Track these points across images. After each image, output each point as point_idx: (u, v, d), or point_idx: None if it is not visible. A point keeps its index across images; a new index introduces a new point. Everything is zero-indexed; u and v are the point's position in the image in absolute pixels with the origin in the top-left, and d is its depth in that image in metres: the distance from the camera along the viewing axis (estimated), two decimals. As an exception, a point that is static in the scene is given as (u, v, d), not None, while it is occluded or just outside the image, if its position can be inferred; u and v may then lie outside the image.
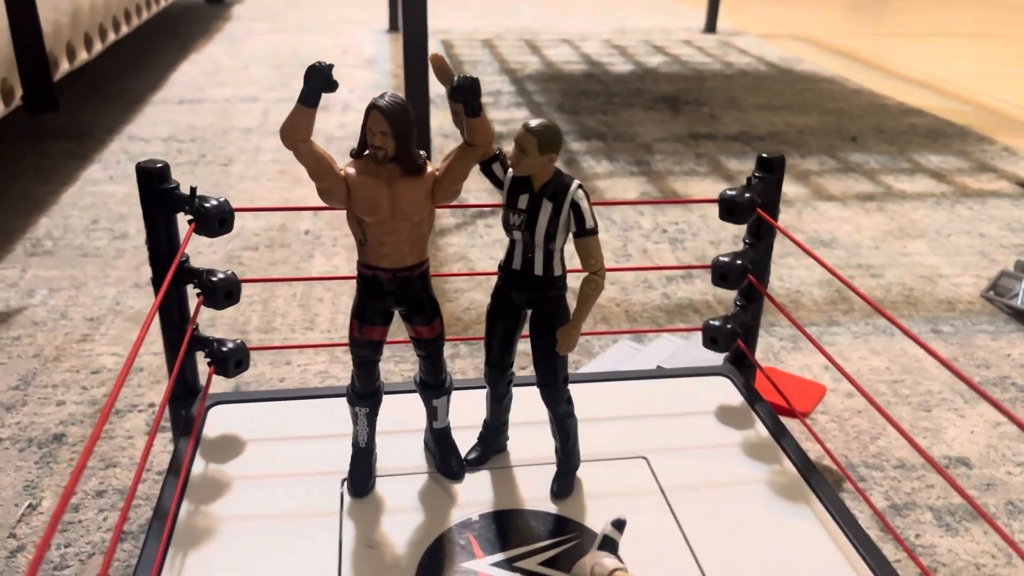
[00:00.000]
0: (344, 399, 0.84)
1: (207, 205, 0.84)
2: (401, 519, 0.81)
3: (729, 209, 0.92)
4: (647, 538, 0.78)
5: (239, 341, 0.93)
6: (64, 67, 2.05)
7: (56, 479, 1.07)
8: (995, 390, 1.31)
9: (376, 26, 4.05)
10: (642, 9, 4.82)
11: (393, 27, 3.95)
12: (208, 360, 0.92)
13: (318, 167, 0.73)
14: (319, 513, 0.81)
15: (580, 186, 0.75)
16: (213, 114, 2.60)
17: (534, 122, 0.73)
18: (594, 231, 0.75)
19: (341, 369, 1.32)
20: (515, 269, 0.78)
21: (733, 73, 3.32)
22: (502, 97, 2.89)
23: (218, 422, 0.94)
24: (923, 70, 3.55)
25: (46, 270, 1.60)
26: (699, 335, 1.25)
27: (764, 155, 0.95)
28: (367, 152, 0.74)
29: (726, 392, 1.02)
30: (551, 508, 0.83)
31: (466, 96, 0.70)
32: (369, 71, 3.19)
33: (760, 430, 0.95)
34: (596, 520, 0.81)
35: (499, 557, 0.77)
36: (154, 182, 0.86)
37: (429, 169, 0.75)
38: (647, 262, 1.70)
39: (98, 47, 2.32)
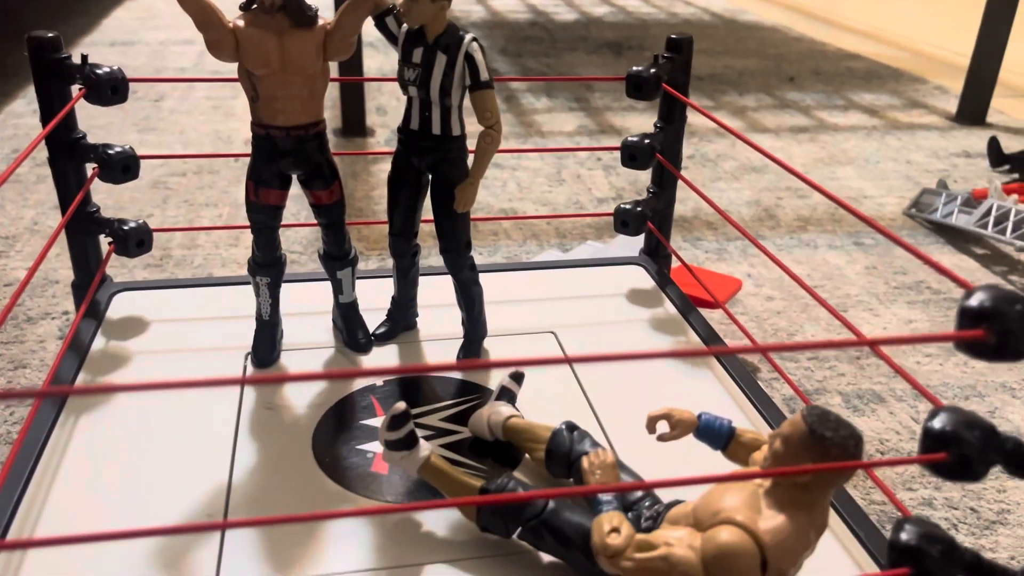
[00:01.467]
0: (236, 286, 0.84)
1: (99, 72, 0.82)
2: (304, 386, 0.80)
3: (636, 85, 0.92)
4: (551, 401, 0.78)
5: (141, 221, 0.91)
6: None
7: (-38, 378, 1.04)
8: (909, 292, 1.34)
9: (320, -22, 3.97)
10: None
11: (337, -21, 3.88)
12: (110, 240, 0.90)
13: (204, 17, 0.71)
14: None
15: (475, 39, 0.74)
16: (146, 56, 2.54)
17: (423, -32, 0.72)
18: (489, 84, 0.75)
19: (264, 280, 1.31)
20: (413, 129, 0.78)
21: (677, 22, 3.33)
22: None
23: (122, 307, 0.92)
24: (865, 21, 3.58)
25: (-38, 193, 1.56)
26: (621, 239, 1.26)
27: (673, 36, 0.95)
28: (255, 5, 0.73)
29: (640, 278, 1.03)
30: (456, 375, 0.83)
31: (352, -64, 0.69)
32: (310, 18, 3.13)
33: (669, 309, 0.96)
34: (498, 384, 0.81)
35: (399, 415, 0.76)
36: (45, 52, 0.83)
37: (321, 23, 0.74)
38: (581, 187, 1.70)
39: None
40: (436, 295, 0.90)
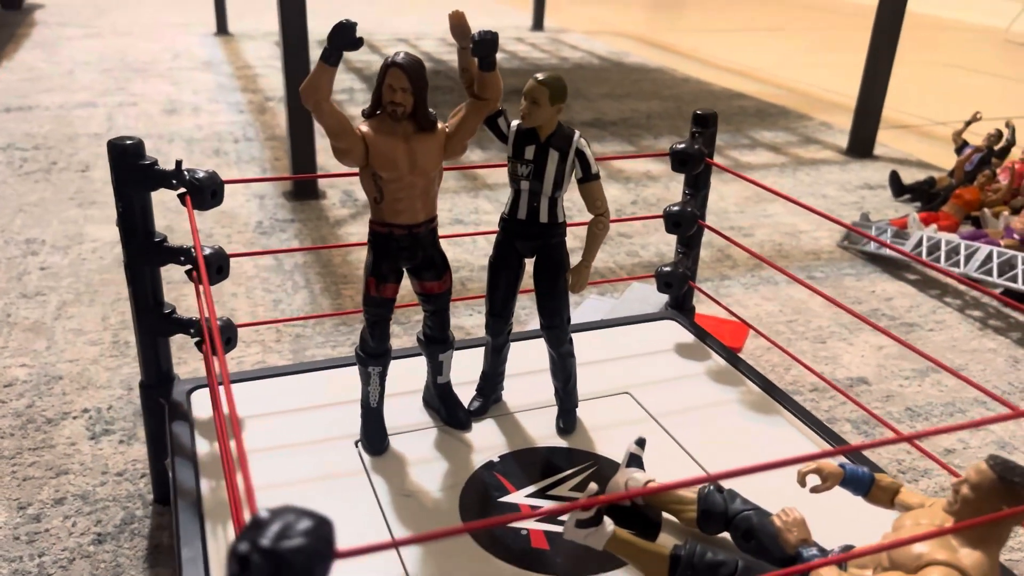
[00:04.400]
0: (311, 372, 0.89)
1: (199, 177, 0.82)
2: (426, 468, 0.83)
3: (681, 160, 1.01)
4: (655, 457, 0.85)
5: (226, 318, 0.91)
6: None
7: (4, 492, 0.99)
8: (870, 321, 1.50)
9: (202, 29, 3.89)
10: (467, 9, 4.91)
11: (221, 30, 3.81)
12: (196, 340, 0.89)
13: (339, 126, 0.74)
14: (345, 473, 0.82)
15: (581, 135, 0.81)
16: (50, 121, 2.42)
17: (541, 75, 0.78)
18: (598, 175, 0.81)
19: (278, 359, 1.30)
20: (520, 219, 0.83)
21: (571, 67, 3.49)
22: (356, 95, 2.88)
23: (202, 405, 0.91)
24: (734, 60, 3.88)
25: (-88, 287, 1.45)
26: (632, 293, 1.35)
27: (699, 112, 1.05)
28: (379, 111, 0.76)
29: (676, 332, 1.11)
30: (562, 443, 0.88)
31: (486, 50, 0.74)
32: (209, 73, 3.07)
33: (718, 360, 1.05)
34: (605, 448, 0.87)
35: (532, 489, 0.81)
36: (131, 158, 0.83)
37: (439, 126, 0.78)
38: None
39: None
40: (514, 362, 0.94)
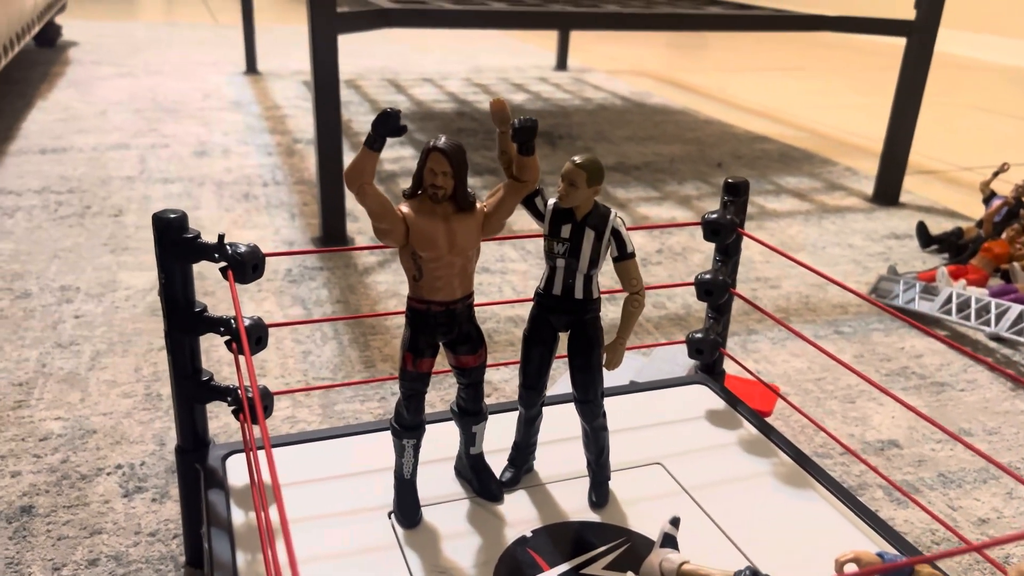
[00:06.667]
0: (343, 438, 0.89)
1: (241, 251, 0.84)
2: (459, 543, 0.83)
3: (713, 231, 1.02)
4: (688, 533, 0.85)
5: (263, 387, 0.92)
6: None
7: (39, 552, 1.00)
8: (899, 379, 1.49)
9: (231, 68, 3.96)
10: (491, 48, 4.99)
11: (251, 69, 3.88)
12: (233, 408, 0.91)
13: (381, 208, 0.75)
14: (378, 547, 0.82)
15: (617, 214, 0.82)
16: (84, 163, 2.47)
17: (579, 157, 0.79)
18: (633, 254, 0.82)
19: (307, 413, 1.31)
20: (556, 295, 0.84)
21: (594, 108, 3.52)
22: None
23: (237, 471, 0.92)
24: (756, 100, 3.89)
25: (-49, 336, 1.48)
26: (657, 351, 1.35)
27: (730, 180, 1.06)
28: (420, 192, 0.77)
29: (707, 398, 1.11)
30: (594, 517, 0.88)
31: (526, 136, 0.76)
32: (239, 114, 3.12)
33: (749, 429, 1.04)
34: (638, 523, 0.87)
35: (565, 567, 0.81)
36: (174, 232, 0.84)
37: (478, 205, 0.80)
38: (568, 288, 1.78)
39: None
40: (544, 430, 0.95)
